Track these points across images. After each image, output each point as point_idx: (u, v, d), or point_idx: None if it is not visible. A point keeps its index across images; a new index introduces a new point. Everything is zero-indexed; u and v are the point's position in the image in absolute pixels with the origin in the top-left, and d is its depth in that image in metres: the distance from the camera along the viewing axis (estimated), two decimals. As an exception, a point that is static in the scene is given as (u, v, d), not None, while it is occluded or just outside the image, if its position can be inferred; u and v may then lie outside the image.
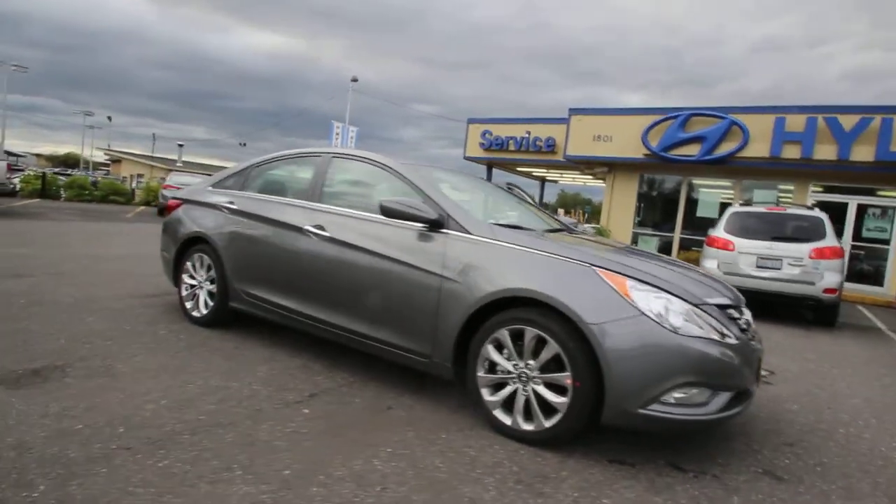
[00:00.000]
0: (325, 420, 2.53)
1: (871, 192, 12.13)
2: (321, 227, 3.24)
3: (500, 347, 2.55)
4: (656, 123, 13.36)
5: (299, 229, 3.35)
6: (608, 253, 2.71)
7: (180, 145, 46.19)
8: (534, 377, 2.45)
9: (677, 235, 14.34)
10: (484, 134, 18.27)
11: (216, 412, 2.50)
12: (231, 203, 3.87)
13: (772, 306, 7.88)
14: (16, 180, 15.60)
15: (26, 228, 9.47)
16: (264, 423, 2.42)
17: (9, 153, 25.29)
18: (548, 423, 2.39)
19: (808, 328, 6.83)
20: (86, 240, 8.80)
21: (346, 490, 1.93)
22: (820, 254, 7.00)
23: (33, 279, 5.03)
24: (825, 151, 11.31)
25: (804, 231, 7.32)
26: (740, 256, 7.38)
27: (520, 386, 2.49)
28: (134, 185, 32.81)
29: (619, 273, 2.38)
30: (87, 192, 19.27)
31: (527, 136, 17.48)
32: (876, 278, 11.80)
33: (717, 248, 7.63)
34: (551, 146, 17.01)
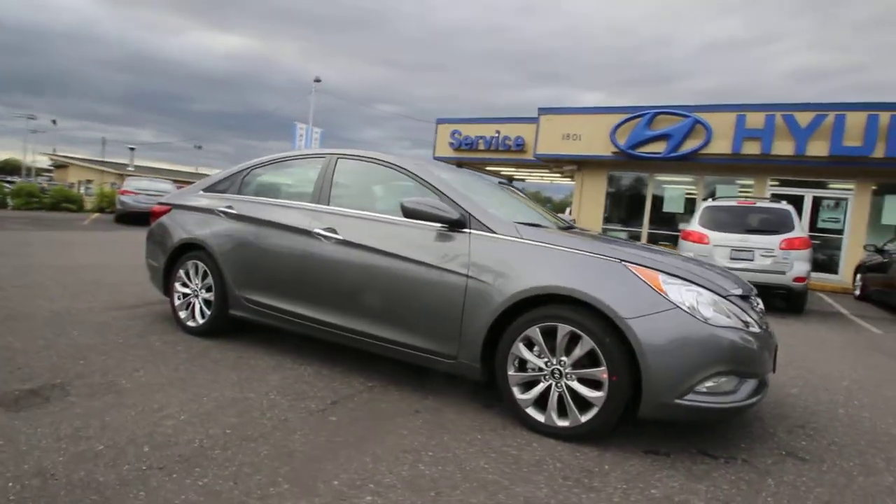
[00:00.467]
0: (357, 427, 2.46)
1: (824, 186, 12.83)
2: (333, 230, 3.15)
3: (530, 345, 2.54)
4: (624, 122, 13.70)
5: (308, 233, 3.24)
6: (630, 248, 2.74)
7: (131, 149, 44.20)
8: (567, 373, 2.45)
9: (645, 230, 14.76)
10: (453, 134, 18.31)
11: (241, 425, 2.39)
12: (229, 207, 3.71)
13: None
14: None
15: (-23, 239, 8.84)
16: (295, 434, 2.34)
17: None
18: (584, 419, 2.40)
19: (781, 315, 7.15)
20: (45, 250, 8.29)
21: (400, 497, 1.88)
22: (789, 244, 7.34)
23: (1, 292, 4.70)
24: (783, 147, 11.88)
25: (773, 223, 7.66)
26: (715, 249, 7.65)
27: (552, 383, 2.49)
28: (83, 191, 31.19)
29: (651, 268, 2.41)
30: (36, 199, 18.19)
31: (496, 135, 17.63)
32: (831, 267, 12.48)
33: (693, 241, 7.89)
34: (521, 145, 17.22)
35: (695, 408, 2.28)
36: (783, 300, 7.71)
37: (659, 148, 13.37)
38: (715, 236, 7.74)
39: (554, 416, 2.47)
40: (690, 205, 14.40)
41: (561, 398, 2.47)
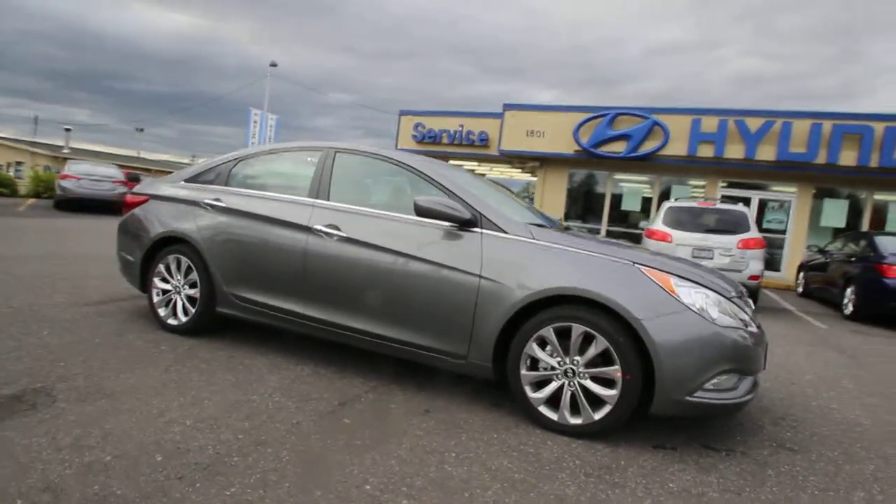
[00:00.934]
0: (372, 429, 2.43)
1: (769, 188, 13.64)
2: (335, 227, 3.07)
3: (542, 344, 2.58)
4: (586, 121, 14.03)
5: (308, 229, 3.15)
6: (636, 251, 2.82)
7: (67, 129, 41.40)
8: (580, 372, 2.51)
9: (604, 228, 15.22)
10: (416, 126, 18.18)
11: (253, 429, 2.31)
12: (217, 200, 3.54)
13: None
14: None
15: None
16: (311, 438, 2.28)
17: None
18: (597, 416, 2.47)
19: (737, 311, 7.56)
20: (-16, 239, 7.65)
21: (435, 499, 1.88)
22: (745, 244, 7.77)
23: (-51, 287, 4.31)
24: (734, 151, 12.53)
25: (731, 224, 8.08)
26: (678, 248, 7.99)
27: (565, 381, 2.54)
28: (11, 173, 28.91)
29: (663, 270, 2.50)
30: (-39, 182, 16.70)
31: (460, 129, 17.64)
32: (775, 265, 13.31)
33: (657, 240, 8.20)
34: (484, 140, 17.30)
35: (702, 404, 2.40)
36: (738, 296, 8.16)
37: (619, 147, 13.79)
38: (677, 235, 8.08)
39: (567, 414, 2.52)
40: (647, 203, 14.98)
41: (573, 396, 2.52)
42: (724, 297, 2.54)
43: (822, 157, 11.76)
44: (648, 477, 2.20)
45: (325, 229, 3.09)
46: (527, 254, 2.65)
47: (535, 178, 17.73)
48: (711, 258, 7.83)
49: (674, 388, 2.36)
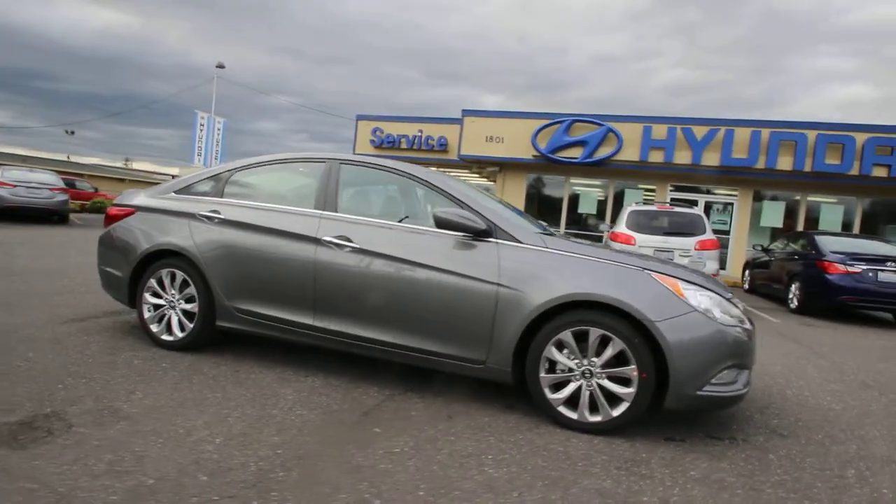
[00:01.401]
0: (404, 436, 2.47)
1: (713, 192, 14.54)
2: (346, 238, 3.08)
3: (559, 347, 2.71)
4: (544, 127, 14.48)
5: (317, 240, 3.14)
6: (640, 257, 3.01)
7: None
8: (597, 372, 2.65)
9: (562, 230, 15.71)
10: (375, 131, 18.15)
11: (286, 444, 2.30)
12: (215, 212, 3.46)
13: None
14: None
15: None
16: (349, 448, 2.30)
17: None
18: (615, 413, 2.62)
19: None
20: (-81, 254, 7.03)
21: (489, 500, 1.95)
22: (703, 245, 8.29)
23: None
24: (682, 157, 13.29)
25: (689, 226, 8.60)
26: (641, 250, 8.41)
27: (583, 382, 2.68)
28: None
29: (671, 276, 2.69)
30: None
31: (419, 134, 17.75)
32: (721, 263, 14.16)
33: (621, 242, 8.60)
34: (443, 145, 17.49)
35: (710, 398, 2.60)
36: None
37: (576, 153, 14.31)
38: (640, 238, 8.51)
39: (586, 412, 2.66)
40: (601, 206, 15.60)
41: (592, 396, 2.66)
42: (723, 297, 2.76)
43: (761, 163, 12.68)
44: (670, 467, 2.36)
45: (335, 240, 3.10)
46: (543, 262, 2.78)
47: (492, 183, 18.08)
48: (672, 259, 8.29)
49: (686, 383, 2.55)
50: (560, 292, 2.67)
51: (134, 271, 3.62)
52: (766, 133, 12.59)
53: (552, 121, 14.45)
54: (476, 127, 15.58)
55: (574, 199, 16.00)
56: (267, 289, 3.27)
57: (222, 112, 24.69)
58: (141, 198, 3.84)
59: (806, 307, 8.17)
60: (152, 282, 3.57)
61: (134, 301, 3.67)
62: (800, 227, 13.48)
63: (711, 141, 12.97)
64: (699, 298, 2.65)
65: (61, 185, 14.49)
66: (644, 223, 8.73)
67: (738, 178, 13.47)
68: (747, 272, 11.48)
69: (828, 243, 8.33)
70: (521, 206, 16.13)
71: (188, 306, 3.49)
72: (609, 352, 2.63)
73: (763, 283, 10.34)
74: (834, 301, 7.68)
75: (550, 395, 2.72)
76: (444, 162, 18.39)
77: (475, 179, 23.67)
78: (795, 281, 8.53)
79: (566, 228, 15.70)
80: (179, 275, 3.50)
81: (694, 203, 14.09)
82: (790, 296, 8.61)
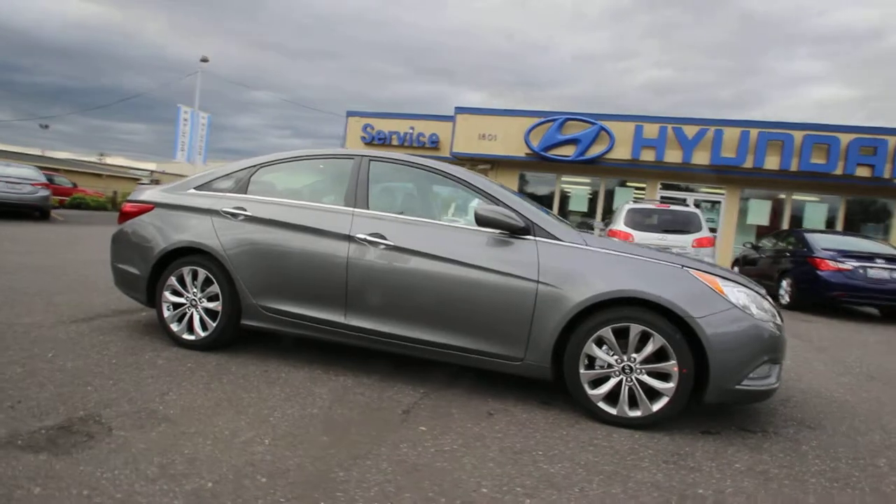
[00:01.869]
0: (451, 434, 2.46)
1: (701, 190, 14.79)
2: (380, 235, 3.06)
3: (599, 343, 2.73)
4: (537, 125, 14.55)
5: (349, 237, 3.11)
6: (679, 255, 3.05)
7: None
8: (637, 368, 2.68)
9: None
10: (365, 128, 17.98)
11: (335, 443, 2.28)
12: (240, 209, 3.40)
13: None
14: None
15: None
16: (401, 447, 2.28)
17: None
18: (655, 408, 2.65)
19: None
20: None
21: (552, 496, 1.96)
22: (699, 243, 8.43)
23: None
24: (673, 156, 13.49)
25: (685, 224, 8.74)
26: (639, 246, 8.53)
27: (623, 378, 2.70)
28: None
29: (711, 273, 2.73)
30: None
31: (410, 131, 17.64)
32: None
33: (619, 240, 8.70)
34: (435, 143, 17.42)
35: (747, 391, 2.65)
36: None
37: (568, 151, 14.42)
38: (638, 235, 8.61)
39: (626, 408, 2.69)
40: (592, 204, 15.75)
41: (631, 391, 2.69)
42: (758, 293, 2.82)
43: (749, 162, 12.94)
44: (715, 460, 2.41)
45: (369, 238, 3.07)
46: (583, 260, 2.80)
47: (484, 181, 18.10)
48: (669, 256, 8.42)
49: (726, 378, 2.60)
50: (602, 289, 2.69)
51: (153, 269, 3.54)
52: (754, 133, 12.85)
53: (545, 119, 14.53)
54: (469, 124, 15.58)
55: (565, 196, 16.13)
56: (296, 287, 3.23)
57: (202, 107, 24.23)
58: (158, 194, 3.75)
59: (797, 303, 8.38)
60: (173, 280, 3.49)
61: (152, 300, 3.59)
62: (784, 226, 13.81)
63: (701, 140, 13.19)
64: (737, 295, 2.70)
65: (43, 179, 14.05)
66: (641, 221, 8.85)
67: (727, 176, 13.72)
68: (737, 269, 11.71)
69: (819, 241, 8.55)
70: (513, 204, 16.19)
71: (210, 305, 3.42)
72: (649, 348, 2.66)
73: (754, 280, 10.55)
74: (825, 297, 7.89)
75: (590, 391, 2.74)
76: (435, 159, 18.35)
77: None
78: (787, 277, 8.73)
79: (557, 226, 15.80)
80: (202, 272, 3.43)
81: (682, 201, 14.32)
82: (781, 292, 8.81)
